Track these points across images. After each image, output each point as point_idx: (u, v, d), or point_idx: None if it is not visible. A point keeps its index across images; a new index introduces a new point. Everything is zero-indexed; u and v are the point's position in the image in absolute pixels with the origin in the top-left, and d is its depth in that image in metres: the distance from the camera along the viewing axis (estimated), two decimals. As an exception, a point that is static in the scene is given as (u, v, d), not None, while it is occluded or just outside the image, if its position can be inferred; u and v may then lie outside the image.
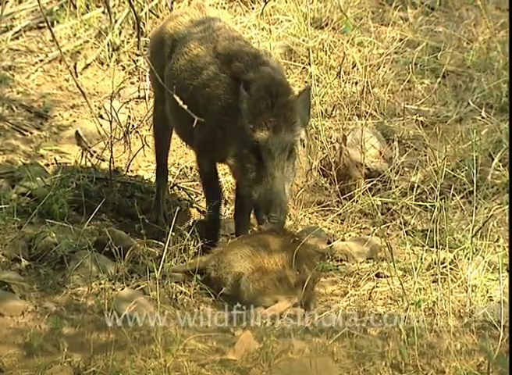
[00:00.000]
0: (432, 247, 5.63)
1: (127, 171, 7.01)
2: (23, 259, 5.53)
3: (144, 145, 7.02)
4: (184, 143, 6.57)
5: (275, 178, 5.38)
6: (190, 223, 6.34)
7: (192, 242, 5.56)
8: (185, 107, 4.17)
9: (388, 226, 6.36)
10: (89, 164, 6.85)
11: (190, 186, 6.99)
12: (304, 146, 6.94)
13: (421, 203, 6.41)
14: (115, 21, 8.30)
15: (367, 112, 7.33)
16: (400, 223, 6.25)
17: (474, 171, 5.73)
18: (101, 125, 7.31)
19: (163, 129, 6.36)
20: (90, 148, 7.24)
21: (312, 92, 7.29)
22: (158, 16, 8.32)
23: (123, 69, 8.20)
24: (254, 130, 5.39)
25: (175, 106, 5.95)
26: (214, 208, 5.79)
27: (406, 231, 6.09)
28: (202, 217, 6.54)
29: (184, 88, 5.69)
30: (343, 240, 6.19)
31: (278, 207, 5.37)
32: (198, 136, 5.78)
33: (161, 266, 5.17)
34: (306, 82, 7.66)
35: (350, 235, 6.33)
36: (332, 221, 6.50)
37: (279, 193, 5.39)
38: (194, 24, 6.06)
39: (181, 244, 5.50)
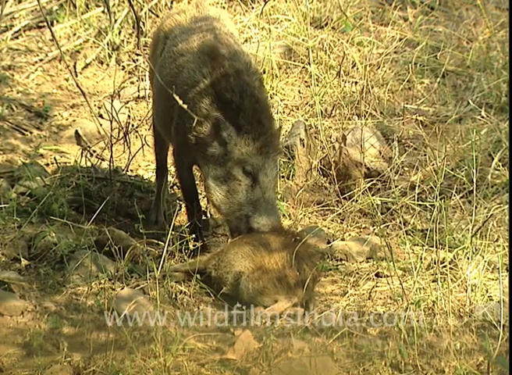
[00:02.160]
0: (432, 246, 5.63)
1: (127, 171, 7.00)
2: (22, 259, 5.53)
3: (143, 145, 7.01)
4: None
5: (272, 199, 5.48)
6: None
7: (192, 242, 5.56)
8: (185, 107, 4.17)
9: (388, 226, 6.36)
10: (89, 164, 6.85)
11: (190, 185, 6.99)
12: (303, 146, 6.94)
13: (420, 203, 6.40)
14: (115, 21, 8.30)
15: (366, 112, 7.33)
16: (400, 222, 6.25)
17: (474, 171, 5.73)
18: (100, 125, 7.31)
19: (162, 128, 6.35)
20: (89, 147, 7.24)
21: (312, 92, 7.31)
22: (157, 16, 8.32)
23: (123, 69, 8.20)
24: (249, 155, 5.45)
25: (158, 104, 5.94)
26: (194, 213, 5.81)
27: (405, 231, 6.09)
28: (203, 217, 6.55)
29: (166, 84, 5.63)
30: (342, 239, 6.19)
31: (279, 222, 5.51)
32: (175, 140, 5.79)
33: (160, 266, 5.18)
34: (306, 81, 7.67)
35: (349, 235, 6.33)
36: (332, 221, 6.50)
37: (277, 212, 5.52)
38: (188, 22, 6.02)
39: (181, 244, 5.49)
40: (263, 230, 5.40)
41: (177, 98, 4.21)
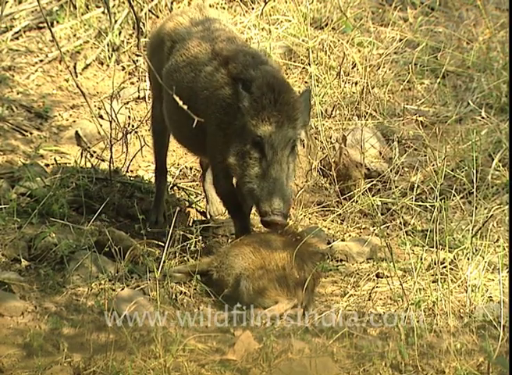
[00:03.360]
0: (432, 247, 5.63)
1: (127, 171, 7.00)
2: (22, 260, 5.54)
3: (143, 146, 7.01)
4: (182, 146, 6.54)
5: (277, 172, 5.37)
6: (190, 223, 6.35)
7: (192, 242, 5.56)
8: (185, 107, 4.17)
9: (388, 227, 6.36)
10: (89, 164, 6.85)
11: (190, 186, 7.00)
12: (304, 146, 6.94)
13: (420, 203, 6.40)
14: (115, 21, 8.30)
15: (367, 113, 7.33)
16: (400, 223, 6.25)
17: (474, 171, 5.73)
18: (101, 125, 7.31)
19: (161, 129, 6.35)
20: (89, 148, 7.24)
21: (312, 93, 7.31)
22: (157, 16, 8.32)
23: (123, 70, 8.20)
24: (257, 125, 5.38)
25: (172, 108, 5.93)
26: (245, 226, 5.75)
27: (406, 231, 6.09)
28: (202, 218, 6.56)
29: (182, 89, 5.66)
30: (342, 240, 6.19)
31: (281, 199, 5.34)
32: (210, 147, 5.74)
33: (161, 266, 5.18)
34: (306, 82, 7.67)
35: (349, 235, 6.33)
36: (332, 221, 6.50)
37: (282, 186, 5.37)
38: (193, 25, 6.06)
39: (181, 245, 5.49)
40: (264, 210, 5.35)
41: (177, 98, 4.21)
